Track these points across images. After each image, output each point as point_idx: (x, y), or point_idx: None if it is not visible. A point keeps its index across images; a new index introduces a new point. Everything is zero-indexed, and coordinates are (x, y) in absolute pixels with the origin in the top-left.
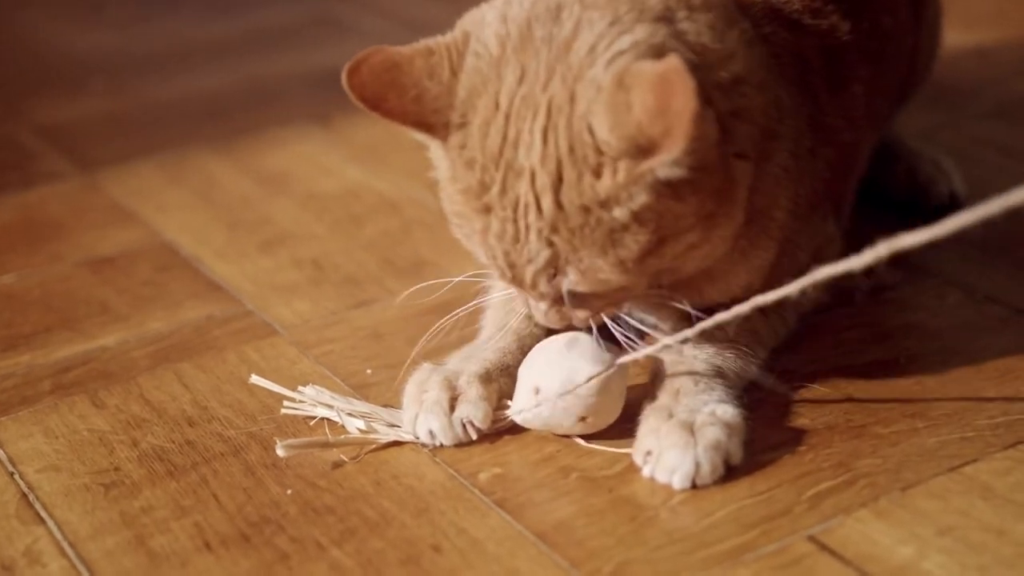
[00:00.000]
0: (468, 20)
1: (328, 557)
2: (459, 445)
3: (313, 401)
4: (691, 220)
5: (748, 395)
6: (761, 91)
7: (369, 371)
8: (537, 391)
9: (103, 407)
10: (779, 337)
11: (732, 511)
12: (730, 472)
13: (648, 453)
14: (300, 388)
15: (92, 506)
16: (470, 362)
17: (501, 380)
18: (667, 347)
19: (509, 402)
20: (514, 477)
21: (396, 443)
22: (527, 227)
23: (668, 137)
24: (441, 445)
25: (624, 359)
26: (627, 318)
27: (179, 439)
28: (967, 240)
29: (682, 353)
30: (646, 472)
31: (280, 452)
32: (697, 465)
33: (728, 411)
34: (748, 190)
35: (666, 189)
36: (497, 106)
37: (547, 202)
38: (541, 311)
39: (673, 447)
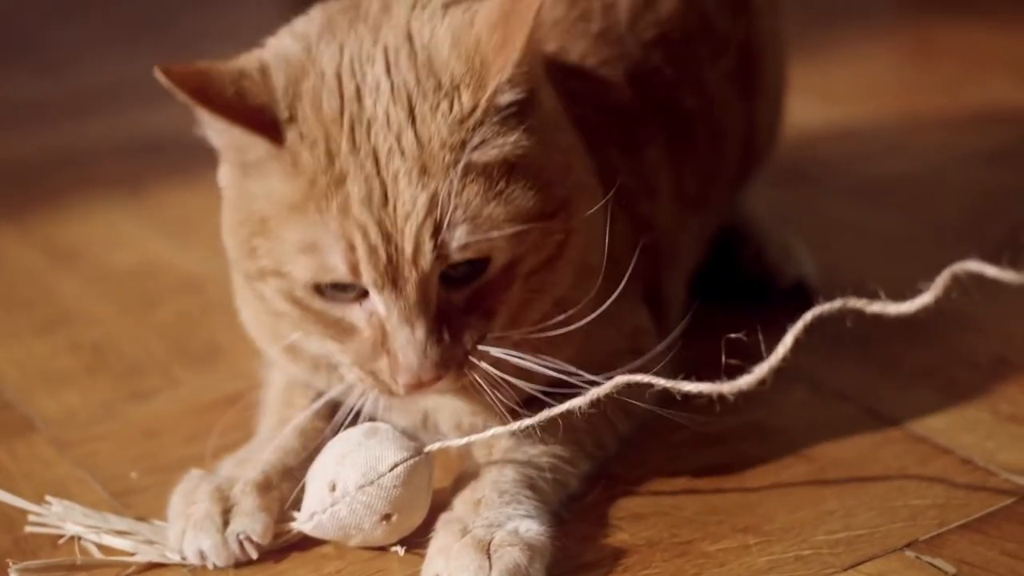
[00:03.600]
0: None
1: None
2: (236, 565)
3: (61, 517)
4: (562, 194)
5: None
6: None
7: (135, 475)
8: (333, 487)
9: None
10: (606, 447)
11: None
12: None
13: None
14: (48, 499)
15: None
16: (245, 467)
17: (283, 486)
18: (478, 440)
19: (295, 513)
20: None
21: (158, 564)
22: (395, 175)
23: (504, 46)
24: (215, 566)
25: (432, 447)
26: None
27: None
28: (815, 330)
29: (491, 457)
30: None
31: None
32: None
33: (532, 528)
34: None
35: (521, 129)
36: (323, 77)
37: (408, 140)
38: (417, 341)
39: (464, 571)
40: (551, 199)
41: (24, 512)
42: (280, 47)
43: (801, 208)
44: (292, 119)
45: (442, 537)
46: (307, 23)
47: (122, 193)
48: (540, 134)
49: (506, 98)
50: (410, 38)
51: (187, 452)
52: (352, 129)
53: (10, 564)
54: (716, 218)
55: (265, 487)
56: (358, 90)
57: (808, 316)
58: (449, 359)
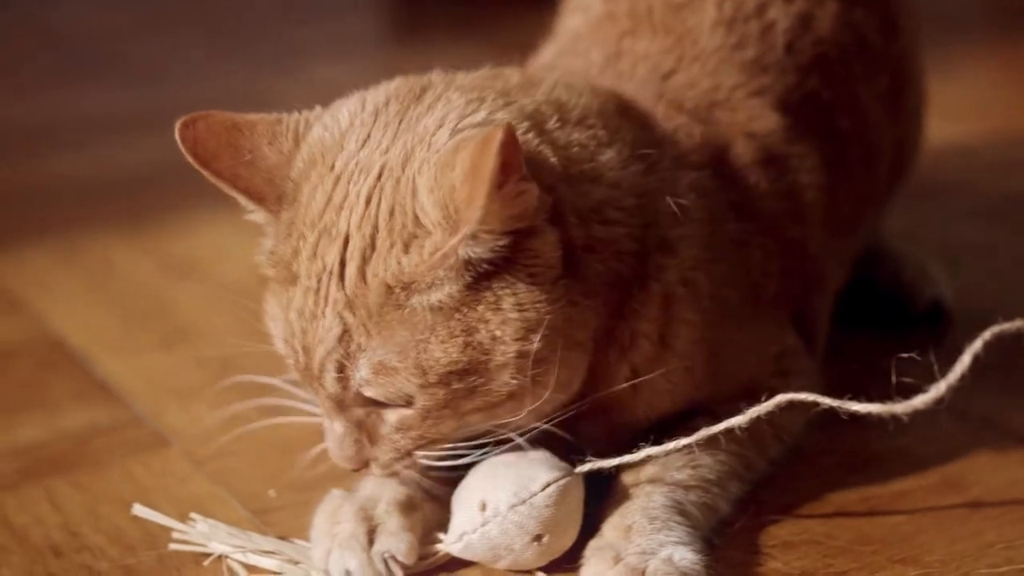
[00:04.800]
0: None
1: None
2: None
3: (206, 535)
4: (508, 352)
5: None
6: (632, 215)
7: (272, 493)
8: (484, 507)
9: None
10: (756, 470)
11: None
12: None
13: None
14: (192, 516)
15: None
16: (388, 487)
17: (426, 507)
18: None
19: (440, 535)
20: None
21: None
22: (326, 299)
23: (471, 202)
24: None
25: (584, 467)
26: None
27: (40, 572)
28: (953, 357)
29: (638, 479)
30: None
31: None
32: None
33: (687, 556)
34: (595, 337)
35: (480, 286)
36: (332, 169)
37: (352, 271)
38: (336, 435)
39: None
40: (492, 359)
41: (166, 529)
42: (335, 115)
43: (925, 228)
44: (295, 201)
45: (594, 564)
46: (371, 98)
47: (225, 207)
48: (496, 289)
49: (472, 252)
50: (405, 163)
51: (322, 471)
52: (319, 239)
53: None
54: (862, 241)
55: (409, 507)
56: (343, 201)
57: (987, 334)
58: (368, 459)
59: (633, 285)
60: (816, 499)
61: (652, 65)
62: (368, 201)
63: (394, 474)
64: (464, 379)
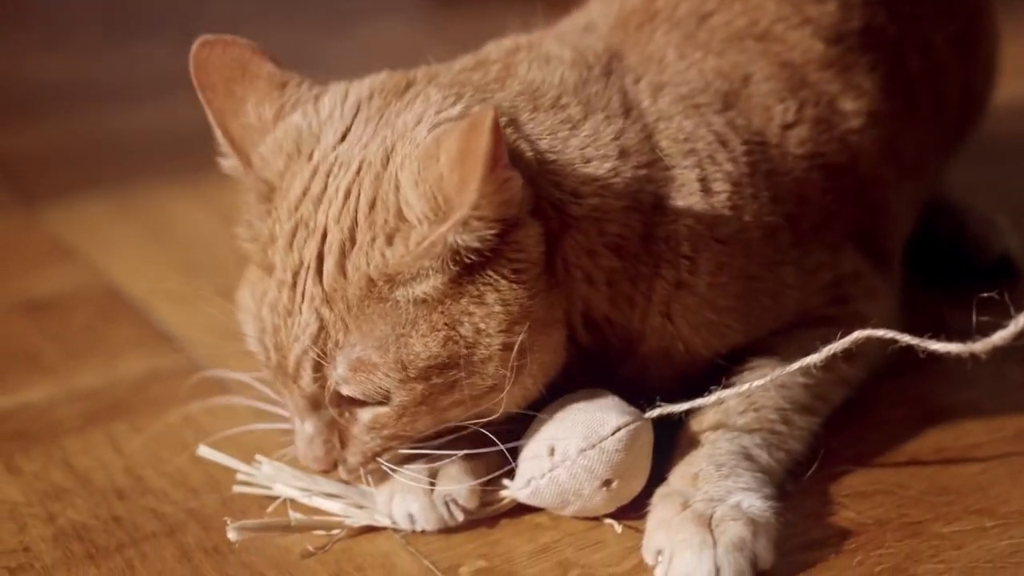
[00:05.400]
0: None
1: None
2: (440, 531)
3: (271, 478)
4: (493, 344)
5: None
6: (611, 182)
7: None
8: (552, 452)
9: (18, 474)
10: (828, 399)
11: None
12: None
13: (659, 552)
14: (257, 459)
15: None
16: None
17: (489, 454)
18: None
19: (506, 481)
20: (503, 572)
21: (369, 528)
22: (302, 294)
23: (464, 187)
24: (423, 531)
25: (654, 412)
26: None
27: (104, 514)
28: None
29: (702, 427)
30: (659, 574)
31: (232, 535)
32: (717, 569)
33: (755, 503)
34: (616, 300)
35: (464, 279)
36: (309, 160)
37: (330, 264)
38: (305, 435)
39: (687, 547)
40: (476, 352)
41: (230, 473)
42: (308, 109)
43: (991, 186)
44: (276, 186)
45: (661, 510)
46: (354, 90)
47: None
48: (479, 283)
49: (462, 240)
50: (387, 159)
51: None
52: (295, 230)
53: (227, 522)
54: (927, 188)
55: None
56: (321, 194)
57: None
58: (336, 461)
59: (639, 241)
60: (887, 450)
61: (694, 6)
62: (347, 195)
63: (358, 479)
64: (444, 373)
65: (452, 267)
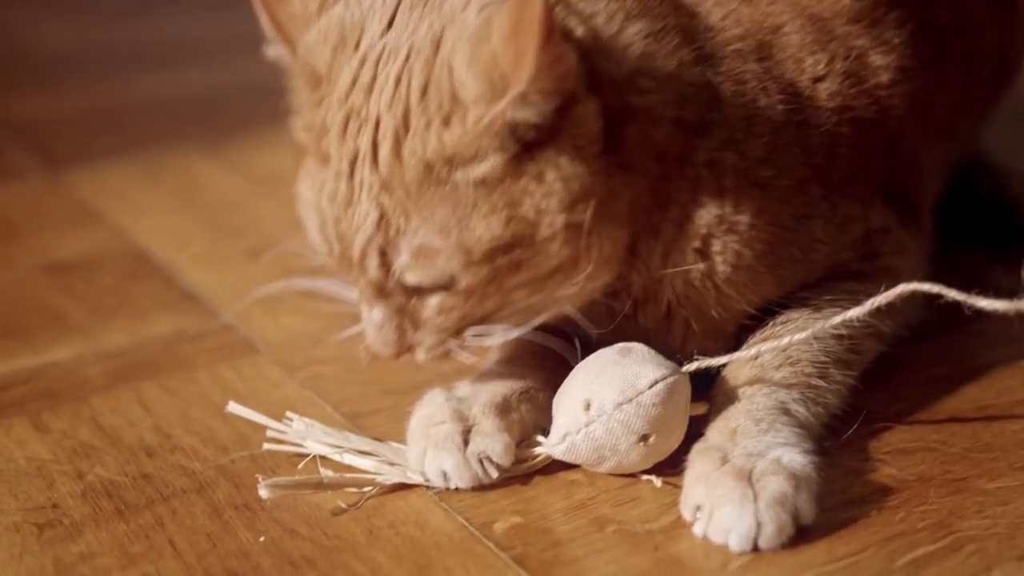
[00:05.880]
0: None
1: None
2: (474, 488)
3: (302, 435)
4: (555, 224)
5: (818, 439)
6: (668, 85)
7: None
8: (588, 406)
9: (46, 431)
10: (864, 353)
11: None
12: (800, 533)
13: (698, 507)
14: (288, 416)
15: (21, 550)
16: (484, 388)
17: (523, 408)
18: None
19: (540, 438)
20: (537, 528)
21: (402, 486)
22: (360, 184)
23: (520, 60)
24: (457, 488)
25: (692, 366)
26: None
27: (134, 472)
28: None
29: (738, 382)
30: (697, 530)
31: (263, 493)
32: (759, 524)
33: (796, 458)
34: (635, 206)
35: (523, 158)
36: (356, 49)
37: (385, 152)
38: (375, 322)
39: (727, 501)
40: (538, 232)
41: (260, 431)
42: (351, 1)
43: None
44: (323, 77)
45: (699, 465)
46: None
47: None
48: (540, 160)
49: (520, 115)
50: (437, 44)
51: (416, 378)
52: (347, 120)
53: (259, 479)
54: (959, 150)
55: (504, 408)
56: (371, 83)
57: None
58: (411, 344)
59: (673, 164)
60: (928, 408)
61: None
62: (398, 82)
63: (444, 355)
64: (508, 254)
65: (512, 145)
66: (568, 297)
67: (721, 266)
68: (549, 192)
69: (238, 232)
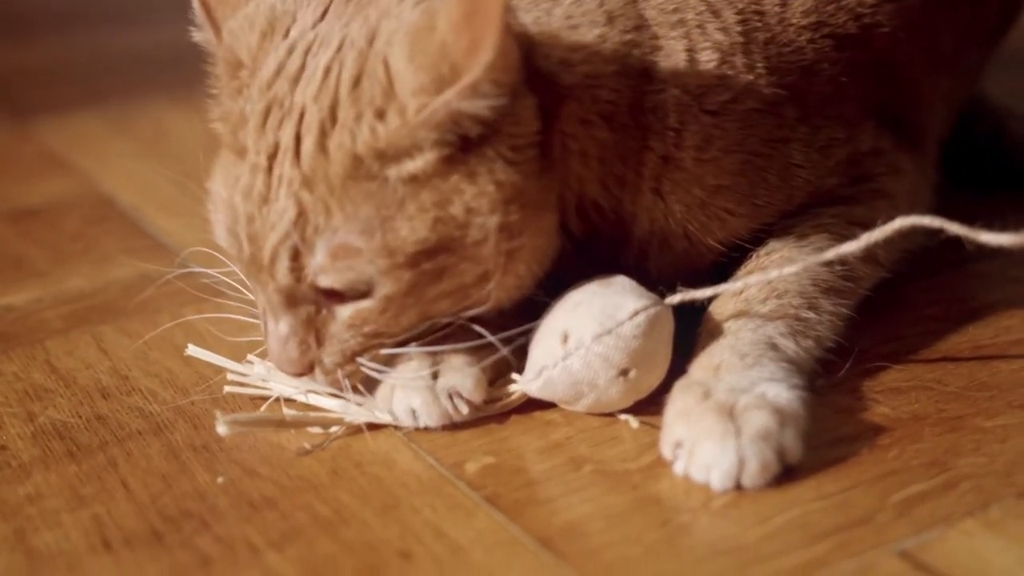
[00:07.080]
0: None
1: (262, 563)
2: (445, 429)
3: (263, 377)
4: (487, 225)
5: (809, 376)
6: (598, 49)
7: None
8: (566, 338)
9: None
10: (858, 279)
11: (794, 517)
12: (787, 472)
13: (678, 444)
14: (249, 358)
15: None
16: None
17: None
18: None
19: (515, 375)
20: (511, 468)
21: (370, 426)
22: (279, 179)
23: (475, 48)
24: (427, 428)
25: (675, 298)
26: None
27: (87, 413)
28: None
29: (723, 317)
30: (678, 469)
31: (221, 430)
32: (742, 461)
33: (782, 393)
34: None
35: (457, 156)
36: (285, 38)
37: (309, 145)
38: (279, 336)
39: (708, 437)
40: (468, 235)
41: (221, 372)
42: None
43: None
44: (245, 64)
45: (680, 401)
46: None
47: None
48: (471, 161)
49: (469, 107)
50: (372, 37)
51: None
52: (268, 111)
53: (218, 415)
54: (967, 88)
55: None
56: (298, 73)
57: None
58: (312, 364)
59: (628, 112)
60: (923, 347)
61: None
62: (327, 73)
63: (335, 382)
64: (434, 259)
65: (451, 140)
66: (490, 306)
67: (675, 204)
68: (481, 192)
69: (204, 183)
